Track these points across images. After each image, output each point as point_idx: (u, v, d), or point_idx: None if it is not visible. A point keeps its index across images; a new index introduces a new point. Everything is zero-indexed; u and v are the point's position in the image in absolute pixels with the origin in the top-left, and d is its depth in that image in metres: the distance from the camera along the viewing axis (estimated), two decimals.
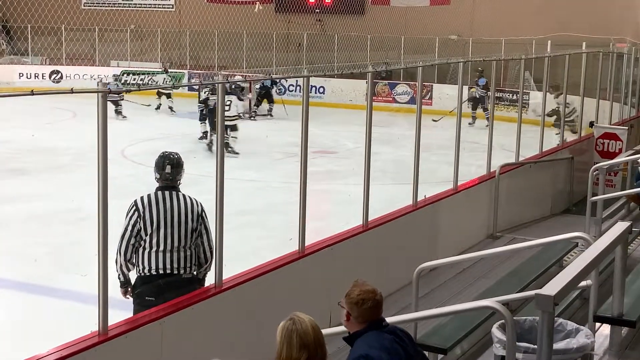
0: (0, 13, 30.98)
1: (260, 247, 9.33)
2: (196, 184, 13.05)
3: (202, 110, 17.86)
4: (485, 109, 21.41)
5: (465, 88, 21.17)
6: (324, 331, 3.60)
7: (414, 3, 27.79)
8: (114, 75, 23.18)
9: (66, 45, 30.46)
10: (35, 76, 29.20)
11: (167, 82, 24.08)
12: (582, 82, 13.44)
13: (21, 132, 18.69)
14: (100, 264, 4.80)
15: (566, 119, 13.79)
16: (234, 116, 16.48)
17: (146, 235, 5.48)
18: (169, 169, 5.64)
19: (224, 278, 5.77)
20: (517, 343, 4.52)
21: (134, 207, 5.52)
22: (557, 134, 13.64)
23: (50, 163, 15.36)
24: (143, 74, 28.90)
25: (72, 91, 4.83)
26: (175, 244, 5.51)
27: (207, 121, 17.52)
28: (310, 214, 6.75)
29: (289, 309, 3.61)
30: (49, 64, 30.21)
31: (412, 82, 25.24)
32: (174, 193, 5.62)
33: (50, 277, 8.61)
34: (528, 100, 19.52)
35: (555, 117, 15.47)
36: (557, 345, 4.52)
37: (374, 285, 3.86)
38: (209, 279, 5.80)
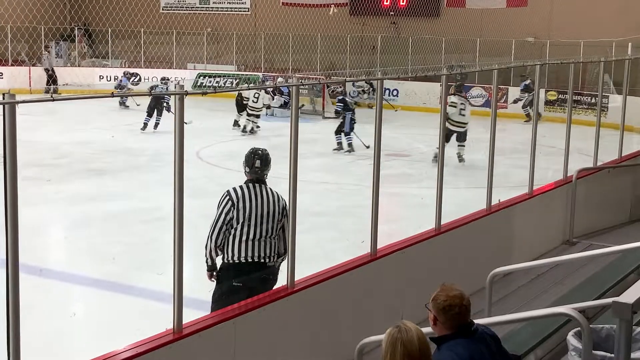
0: (82, 17, 31.87)
1: (333, 249, 9.35)
2: (271, 185, 13.29)
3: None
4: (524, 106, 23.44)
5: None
6: None
7: (490, 5, 27.42)
8: (124, 73, 23.04)
9: (145, 48, 31.14)
10: (114, 79, 29.89)
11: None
12: None
13: (101, 133, 19.18)
14: (176, 262, 4.89)
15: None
16: (259, 108, 20.17)
17: (237, 224, 5.77)
18: (259, 163, 5.99)
19: (296, 279, 5.81)
20: (594, 351, 4.43)
21: (227, 197, 5.83)
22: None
23: (128, 163, 15.72)
24: (219, 76, 29.34)
25: (150, 93, 4.94)
26: (264, 234, 5.81)
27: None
28: (383, 216, 6.74)
29: (360, 312, 3.62)
30: (129, 67, 30.92)
31: (488, 85, 24.94)
32: (262, 186, 5.95)
33: (127, 275, 8.80)
34: (607, 103, 19.08)
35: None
36: (634, 355, 4.41)
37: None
38: (282, 280, 5.85)
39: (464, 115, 15.19)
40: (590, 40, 22.92)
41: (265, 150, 6.15)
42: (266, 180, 6.05)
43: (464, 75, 25.79)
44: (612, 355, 3.99)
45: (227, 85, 28.69)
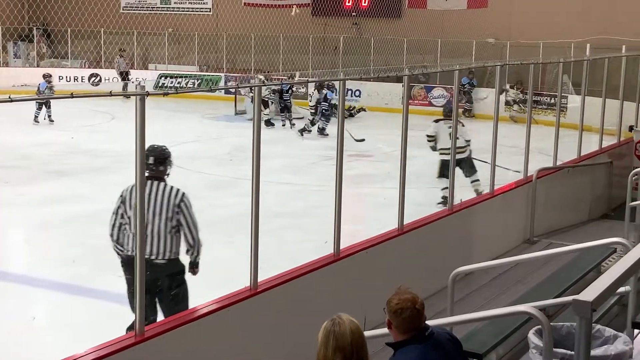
0: (41, 17, 31.45)
1: (296, 250, 9.34)
2: (234, 187, 13.30)
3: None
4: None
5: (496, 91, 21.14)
6: None
7: (451, 6, 27.65)
8: (44, 76, 22.22)
9: (105, 49, 30.83)
10: (74, 79, 29.58)
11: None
12: (622, 85, 13.27)
13: (61, 135, 18.96)
14: (137, 264, 4.85)
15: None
16: (312, 106, 20.02)
17: (129, 219, 5.94)
18: (152, 160, 6.01)
19: (259, 280, 5.80)
20: (554, 349, 4.48)
21: (120, 194, 6.08)
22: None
23: (89, 165, 15.55)
24: (180, 77, 29.18)
25: (110, 94, 4.90)
26: (151, 231, 5.89)
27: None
28: (346, 217, 6.75)
29: (323, 312, 3.61)
30: (88, 67, 30.60)
31: (449, 86, 25.12)
32: (155, 183, 6.02)
33: (89, 278, 8.71)
34: (566, 104, 19.32)
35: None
36: (594, 352, 4.46)
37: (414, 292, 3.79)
38: (245, 281, 5.82)
39: (457, 137, 10.18)
40: (549, 41, 23.20)
41: (164, 147, 6.23)
42: (166, 177, 6.16)
43: (426, 75, 26.02)
44: (573, 352, 4.03)
45: (188, 86, 28.55)
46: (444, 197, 10.62)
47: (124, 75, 28.49)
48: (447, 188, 9.52)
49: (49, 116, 21.21)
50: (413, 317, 3.67)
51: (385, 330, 3.88)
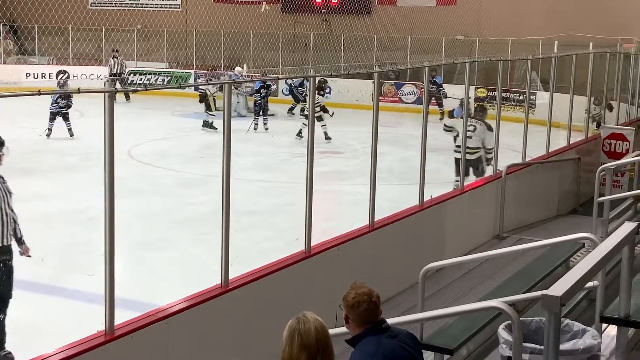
0: (7, 13, 31.05)
1: (267, 247, 9.32)
2: (205, 184, 13.24)
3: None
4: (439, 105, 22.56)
5: (472, 88, 21.20)
6: (329, 331, 3.59)
7: (421, 3, 27.76)
8: None
9: (73, 45, 30.53)
10: (42, 76, 29.24)
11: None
12: (589, 82, 13.41)
13: (28, 132, 18.72)
14: (107, 263, 4.81)
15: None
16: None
17: None
18: None
19: (230, 278, 5.78)
20: (524, 344, 4.51)
21: None
22: None
23: (57, 163, 15.40)
24: (149, 73, 28.99)
25: (79, 91, 4.85)
26: None
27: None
28: (317, 214, 6.75)
29: (294, 309, 3.61)
30: (56, 64, 30.27)
31: (419, 83, 25.21)
32: None
33: (57, 277, 8.63)
34: (535, 100, 19.49)
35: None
36: (563, 346, 4.50)
37: (375, 286, 3.82)
38: (216, 279, 5.79)
39: (470, 137, 10.80)
40: (518, 38, 23.39)
41: None
42: None
43: (396, 72, 26.10)
44: (542, 347, 4.06)
45: (157, 82, 28.37)
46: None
47: (116, 77, 27.46)
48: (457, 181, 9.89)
49: (69, 130, 18.61)
50: (370, 310, 3.73)
51: None
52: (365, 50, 26.77)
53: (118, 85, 23.14)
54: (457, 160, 10.94)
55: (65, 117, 18.67)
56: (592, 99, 14.43)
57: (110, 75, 27.77)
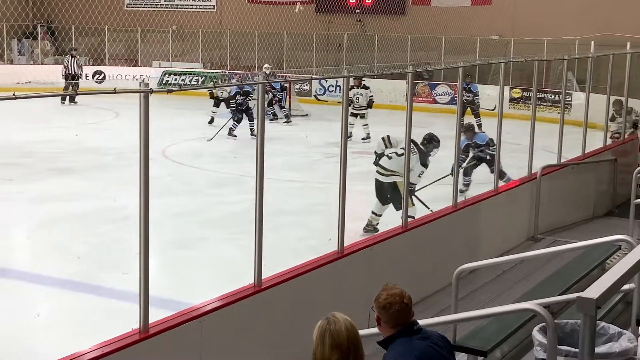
0: (45, 14, 31.46)
1: (300, 247, 9.34)
2: (238, 183, 13.30)
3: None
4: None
5: (507, 89, 21.02)
6: (362, 332, 3.59)
7: (455, 3, 27.61)
8: None
9: (109, 46, 30.84)
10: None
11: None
12: (627, 82, 13.25)
13: (65, 132, 18.96)
14: (142, 262, 4.85)
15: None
16: (363, 106, 18.76)
17: None
18: None
19: (263, 278, 5.80)
20: (558, 346, 4.47)
21: None
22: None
23: (93, 162, 15.55)
24: (184, 74, 29.17)
25: (114, 91, 4.90)
26: None
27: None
28: (350, 214, 6.75)
29: (327, 309, 3.61)
30: (92, 65, 30.60)
31: (453, 83, 25.07)
32: None
33: (93, 275, 8.71)
34: (571, 101, 19.29)
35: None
36: (599, 349, 4.46)
37: (408, 287, 3.82)
38: (249, 279, 5.82)
39: (390, 158, 10.56)
40: (553, 38, 23.16)
41: None
42: None
43: (430, 72, 25.98)
44: (577, 349, 4.03)
45: (192, 83, 28.54)
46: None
47: (71, 77, 25.76)
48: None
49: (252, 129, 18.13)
50: (401, 312, 3.73)
51: None
52: (399, 51, 26.68)
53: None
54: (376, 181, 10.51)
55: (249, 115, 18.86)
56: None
57: (63, 76, 25.80)
